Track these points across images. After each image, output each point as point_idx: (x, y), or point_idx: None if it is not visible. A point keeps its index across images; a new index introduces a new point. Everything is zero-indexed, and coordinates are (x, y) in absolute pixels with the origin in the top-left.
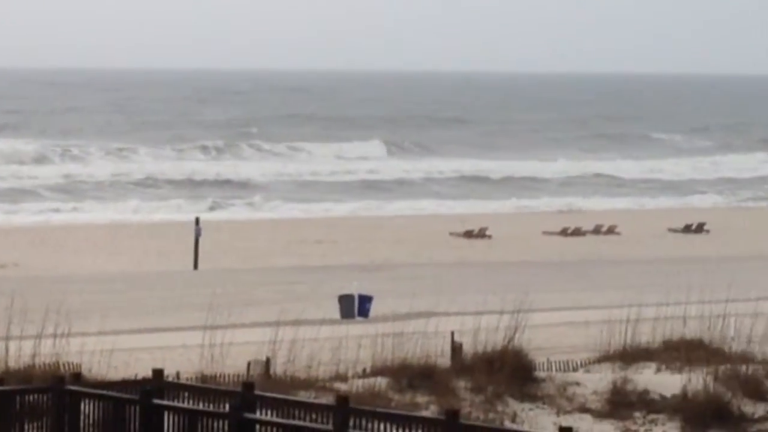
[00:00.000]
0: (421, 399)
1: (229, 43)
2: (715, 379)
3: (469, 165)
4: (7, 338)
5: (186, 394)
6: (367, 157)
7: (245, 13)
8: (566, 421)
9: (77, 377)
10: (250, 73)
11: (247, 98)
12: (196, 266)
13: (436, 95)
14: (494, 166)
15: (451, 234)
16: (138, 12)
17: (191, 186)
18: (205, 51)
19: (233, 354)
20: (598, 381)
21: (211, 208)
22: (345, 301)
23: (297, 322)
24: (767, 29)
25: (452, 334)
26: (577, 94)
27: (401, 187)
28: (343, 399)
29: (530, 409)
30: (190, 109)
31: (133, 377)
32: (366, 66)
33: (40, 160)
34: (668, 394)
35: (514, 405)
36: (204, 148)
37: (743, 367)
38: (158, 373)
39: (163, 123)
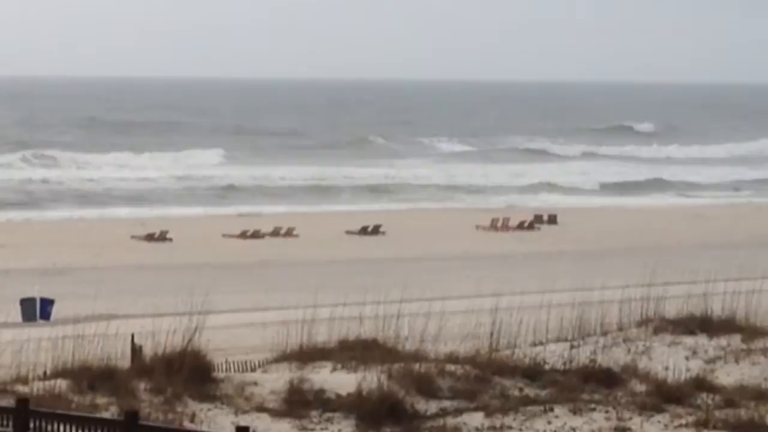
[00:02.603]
0: (101, 400)
1: None
2: (389, 377)
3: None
4: None
5: None
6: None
7: None
8: (244, 420)
9: None
10: None
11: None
12: None
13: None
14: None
15: (133, 237)
16: None
17: None
18: None
19: None
20: (275, 381)
21: None
22: (26, 304)
23: None
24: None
25: (132, 336)
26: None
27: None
28: (23, 401)
29: (209, 409)
30: None
31: None
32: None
33: None
34: (344, 392)
35: (193, 405)
36: None
37: (416, 366)
38: None
39: None
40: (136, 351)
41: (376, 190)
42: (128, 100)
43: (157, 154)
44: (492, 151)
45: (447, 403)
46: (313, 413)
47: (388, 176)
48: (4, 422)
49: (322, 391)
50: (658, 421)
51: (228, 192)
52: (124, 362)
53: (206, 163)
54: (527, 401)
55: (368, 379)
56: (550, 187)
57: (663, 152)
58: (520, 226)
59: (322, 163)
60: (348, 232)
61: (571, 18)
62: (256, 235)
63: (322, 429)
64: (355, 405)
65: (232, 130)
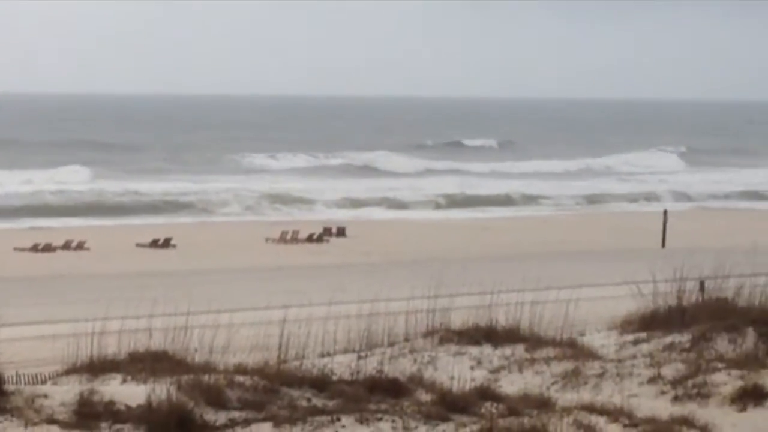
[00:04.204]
0: None
1: None
2: (179, 388)
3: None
4: None
5: None
6: None
7: None
8: None
9: None
10: None
11: None
12: None
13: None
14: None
15: None
16: None
17: None
18: None
19: None
20: (65, 393)
21: None
22: None
23: None
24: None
25: None
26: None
27: None
28: None
29: None
30: None
31: None
32: None
33: None
34: (134, 404)
35: None
36: None
37: (205, 377)
38: None
39: None
40: None
41: (176, 205)
42: None
43: None
44: (318, 167)
45: (236, 414)
46: (103, 425)
47: (193, 191)
48: None
49: (112, 402)
50: (443, 430)
51: (25, 207)
52: None
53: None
54: (315, 411)
55: (158, 390)
56: (351, 201)
57: (490, 168)
58: (309, 239)
59: (151, 179)
60: (139, 245)
61: (401, 32)
62: (48, 248)
63: None
64: (145, 416)
65: (61, 143)
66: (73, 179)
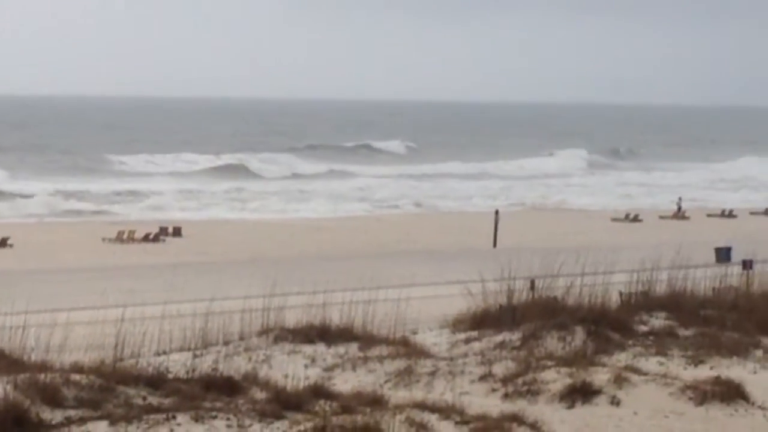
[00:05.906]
0: None
1: None
2: (15, 387)
3: None
4: None
5: None
6: None
7: None
8: None
9: None
10: None
11: None
12: None
13: None
14: None
15: None
16: None
17: None
18: None
19: None
20: None
21: None
22: None
23: None
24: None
25: None
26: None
27: None
28: None
29: None
30: None
31: None
32: None
33: None
34: None
35: None
36: None
37: (41, 376)
38: None
39: None
40: None
41: (17, 204)
42: None
43: None
44: (184, 169)
45: (72, 413)
46: None
47: (36, 191)
48: None
49: None
50: (278, 428)
51: None
52: None
53: None
54: (150, 409)
55: None
56: (197, 202)
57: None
58: (146, 239)
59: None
60: None
61: (311, 35)
62: None
63: None
64: None
65: None
66: None
